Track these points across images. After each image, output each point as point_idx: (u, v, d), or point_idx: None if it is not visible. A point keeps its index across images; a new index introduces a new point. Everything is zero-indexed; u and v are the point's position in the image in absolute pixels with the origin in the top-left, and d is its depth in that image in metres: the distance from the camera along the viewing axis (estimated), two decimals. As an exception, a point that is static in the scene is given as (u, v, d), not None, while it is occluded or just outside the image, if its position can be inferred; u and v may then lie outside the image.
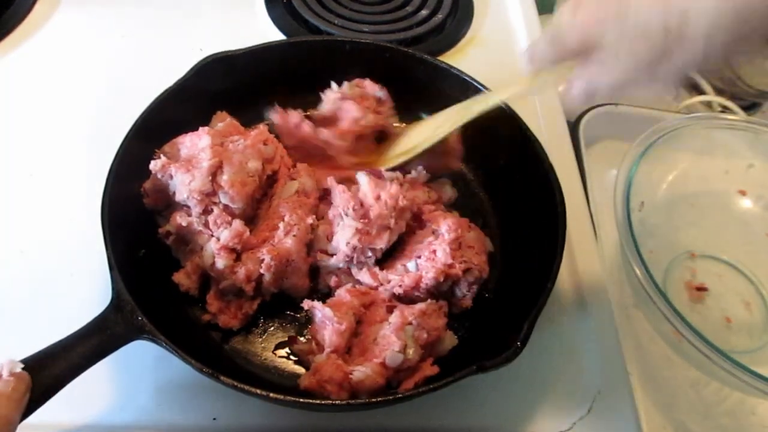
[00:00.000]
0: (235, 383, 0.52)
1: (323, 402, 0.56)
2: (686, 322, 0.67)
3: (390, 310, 0.64)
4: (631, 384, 0.68)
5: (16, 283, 0.69)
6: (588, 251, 0.77)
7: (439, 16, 0.98)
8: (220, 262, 0.63)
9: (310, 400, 0.56)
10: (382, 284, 0.66)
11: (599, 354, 0.69)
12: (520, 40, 0.99)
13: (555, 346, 0.70)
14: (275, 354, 0.65)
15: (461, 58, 0.95)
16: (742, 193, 0.90)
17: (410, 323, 0.60)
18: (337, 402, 0.57)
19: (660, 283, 0.76)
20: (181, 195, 0.64)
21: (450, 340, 0.64)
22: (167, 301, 0.65)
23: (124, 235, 0.61)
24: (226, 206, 0.65)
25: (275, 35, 0.94)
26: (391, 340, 0.59)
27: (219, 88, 0.75)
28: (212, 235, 0.64)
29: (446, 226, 0.66)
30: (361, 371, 0.57)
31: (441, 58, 0.82)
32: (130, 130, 0.66)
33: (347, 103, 0.72)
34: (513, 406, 0.65)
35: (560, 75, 0.57)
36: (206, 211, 0.65)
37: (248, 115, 0.77)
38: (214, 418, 0.61)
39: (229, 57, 0.74)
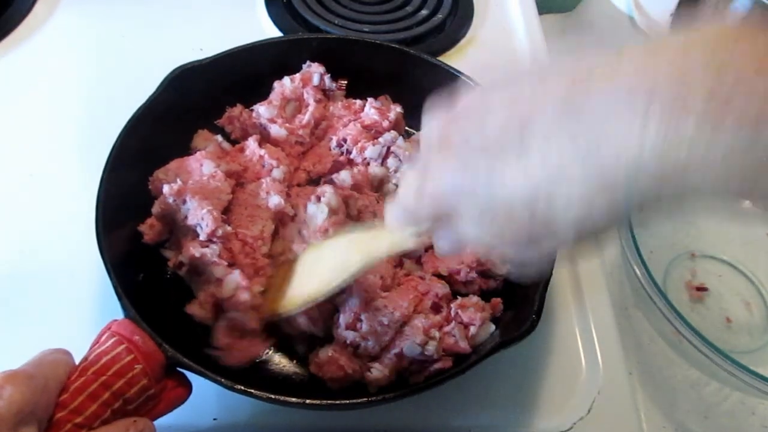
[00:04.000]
0: (235, 385, 0.52)
1: (325, 402, 0.56)
2: (686, 322, 0.67)
3: (434, 307, 0.64)
4: (631, 384, 0.68)
5: (17, 282, 0.68)
6: (588, 251, 0.77)
7: (439, 16, 0.98)
8: (245, 296, 0.59)
9: (314, 401, 0.56)
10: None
11: (599, 354, 0.69)
12: (520, 40, 0.99)
13: (554, 346, 0.70)
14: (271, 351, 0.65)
15: (461, 58, 0.95)
16: (742, 193, 0.90)
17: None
18: (341, 402, 0.57)
19: (660, 283, 0.76)
20: (194, 219, 0.63)
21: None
22: (163, 301, 0.65)
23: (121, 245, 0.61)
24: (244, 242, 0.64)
25: (275, 35, 0.94)
26: (418, 332, 0.60)
27: (195, 99, 0.73)
28: (229, 265, 0.61)
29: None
30: (378, 370, 0.59)
31: (441, 58, 0.82)
32: (107, 165, 0.63)
33: None
34: (513, 407, 0.65)
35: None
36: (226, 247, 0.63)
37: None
38: (215, 419, 0.61)
39: (196, 67, 0.72)
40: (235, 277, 0.60)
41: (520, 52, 0.97)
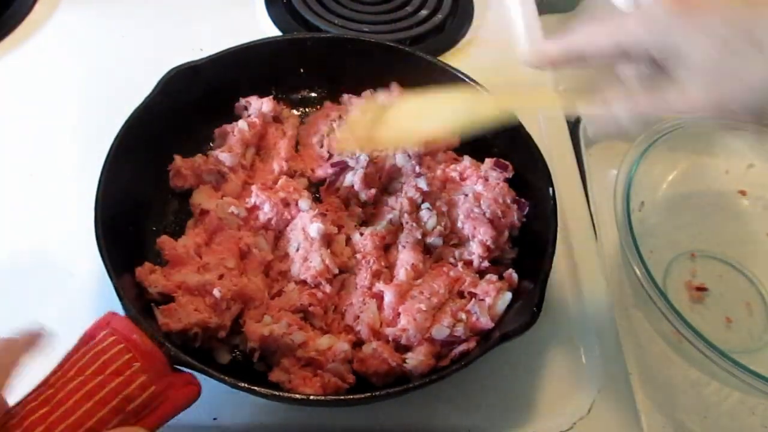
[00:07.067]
0: (239, 382, 0.53)
1: (329, 398, 0.57)
2: (686, 322, 0.66)
3: (459, 293, 0.66)
4: (631, 384, 0.69)
5: (17, 282, 0.69)
6: (588, 251, 0.77)
7: (439, 16, 0.98)
8: (344, 346, 0.61)
9: (318, 397, 0.56)
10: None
11: (599, 354, 0.69)
12: (520, 40, 0.99)
13: (555, 346, 0.70)
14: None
15: (461, 58, 0.95)
16: (742, 193, 0.90)
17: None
18: (343, 398, 0.57)
19: (660, 283, 0.75)
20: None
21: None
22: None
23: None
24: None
25: (275, 35, 0.94)
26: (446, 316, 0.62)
27: (191, 100, 0.73)
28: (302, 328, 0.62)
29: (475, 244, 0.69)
30: (413, 358, 0.60)
31: (441, 58, 0.82)
32: (104, 166, 0.64)
33: None
34: (513, 406, 0.65)
35: (582, 89, 0.50)
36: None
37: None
38: (215, 418, 0.61)
39: (191, 68, 0.72)
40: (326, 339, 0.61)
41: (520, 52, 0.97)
